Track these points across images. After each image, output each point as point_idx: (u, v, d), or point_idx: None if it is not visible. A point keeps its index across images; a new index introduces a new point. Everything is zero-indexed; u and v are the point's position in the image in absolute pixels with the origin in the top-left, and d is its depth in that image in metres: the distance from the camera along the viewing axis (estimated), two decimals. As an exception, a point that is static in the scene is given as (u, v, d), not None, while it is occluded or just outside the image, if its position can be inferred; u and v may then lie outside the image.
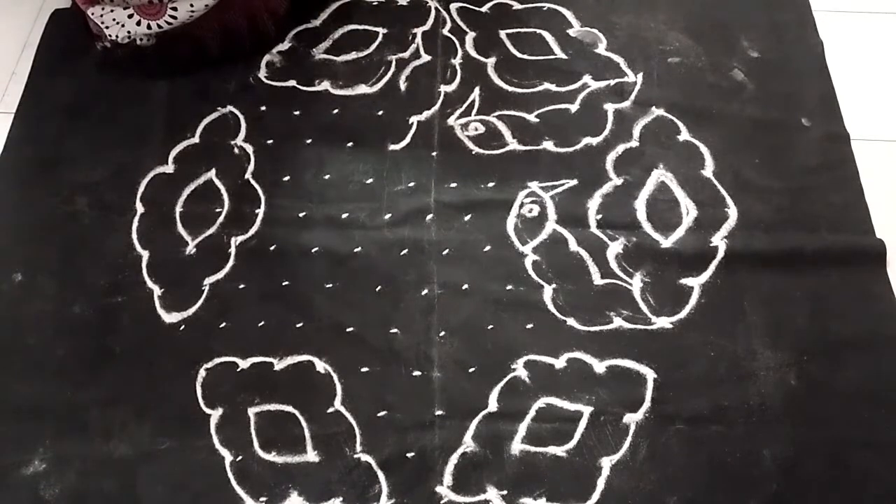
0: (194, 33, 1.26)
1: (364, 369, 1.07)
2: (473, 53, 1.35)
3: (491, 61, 1.34)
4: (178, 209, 1.21)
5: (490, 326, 1.09)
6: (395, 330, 1.09)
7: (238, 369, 1.07)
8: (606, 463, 0.99)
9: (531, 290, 1.12)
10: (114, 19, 1.24)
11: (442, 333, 1.09)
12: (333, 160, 1.25)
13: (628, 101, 1.29)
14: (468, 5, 1.40)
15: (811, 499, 0.97)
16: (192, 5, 1.22)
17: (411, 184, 1.22)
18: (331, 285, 1.13)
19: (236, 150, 1.26)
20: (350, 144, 1.26)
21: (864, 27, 1.38)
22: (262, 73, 1.34)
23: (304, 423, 1.03)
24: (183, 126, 1.29)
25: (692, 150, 1.24)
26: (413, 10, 1.40)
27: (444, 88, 1.31)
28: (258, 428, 1.03)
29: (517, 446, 1.01)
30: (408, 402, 1.04)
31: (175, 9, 1.22)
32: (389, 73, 1.32)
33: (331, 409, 1.04)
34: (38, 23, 1.43)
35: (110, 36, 1.25)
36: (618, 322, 1.09)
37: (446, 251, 1.15)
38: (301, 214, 1.19)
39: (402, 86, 1.31)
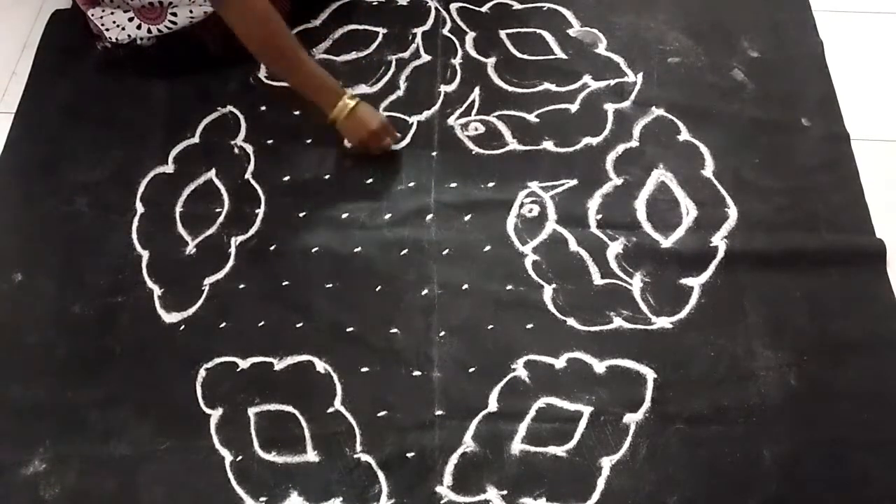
0: (195, 34, 1.26)
1: (364, 369, 1.07)
2: (473, 53, 1.35)
3: (491, 61, 1.34)
4: (178, 209, 1.21)
5: (490, 326, 1.09)
6: (395, 330, 1.09)
7: (238, 369, 1.07)
8: (606, 463, 0.99)
9: (531, 290, 1.12)
10: (114, 21, 1.24)
11: (442, 333, 1.09)
12: (333, 160, 1.25)
13: (628, 101, 1.29)
14: (468, 5, 1.40)
15: (811, 499, 0.97)
16: (191, 11, 1.22)
17: (411, 184, 1.22)
18: (331, 285, 1.13)
19: (236, 150, 1.26)
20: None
21: (864, 27, 1.38)
22: (262, 73, 1.34)
23: (304, 423, 1.03)
24: (183, 126, 1.29)
25: (692, 150, 1.24)
26: (413, 10, 1.40)
27: (444, 88, 1.31)
28: (258, 428, 1.03)
29: (517, 446, 1.01)
30: (408, 402, 1.04)
31: (175, 14, 1.22)
32: (389, 73, 1.33)
33: (331, 409, 1.04)
34: (38, 23, 1.43)
35: (110, 38, 1.25)
36: (618, 322, 1.09)
37: (446, 251, 1.15)
38: (301, 214, 1.19)
39: (402, 86, 1.31)
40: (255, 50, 1.13)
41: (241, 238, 1.18)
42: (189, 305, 1.12)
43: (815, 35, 1.36)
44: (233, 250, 1.17)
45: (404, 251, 1.15)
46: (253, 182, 1.23)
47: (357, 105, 1.17)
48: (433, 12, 1.40)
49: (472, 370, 1.06)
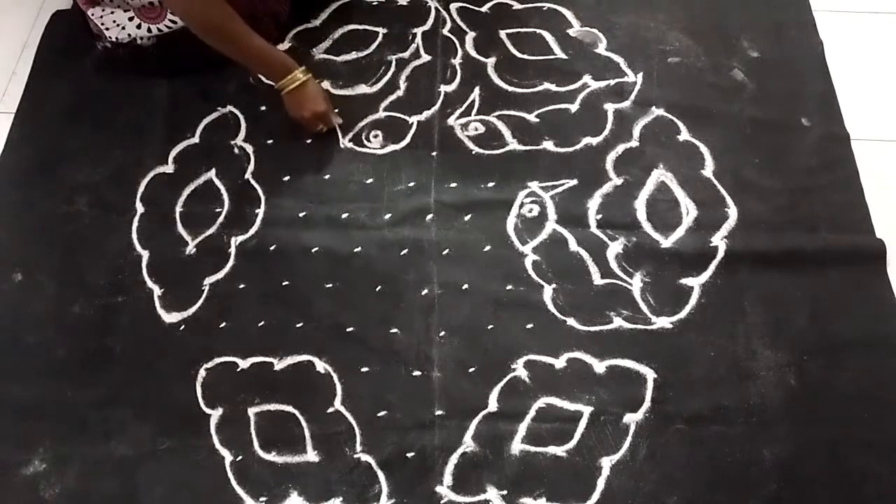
0: (195, 33, 1.26)
1: (364, 369, 1.07)
2: (473, 53, 1.35)
3: (491, 61, 1.34)
4: (178, 209, 1.21)
5: (490, 326, 1.09)
6: (395, 330, 1.09)
7: (238, 369, 1.07)
8: (606, 463, 0.99)
9: (531, 290, 1.12)
10: (114, 21, 1.24)
11: (442, 333, 1.09)
12: (333, 160, 1.25)
13: (628, 101, 1.29)
14: (468, 5, 1.40)
15: (811, 499, 0.97)
16: (192, 10, 1.22)
17: (411, 184, 1.22)
18: (331, 285, 1.13)
19: (236, 150, 1.26)
20: (350, 144, 1.26)
21: (864, 27, 1.38)
22: (263, 74, 1.34)
23: (304, 423, 1.03)
24: (183, 126, 1.29)
25: (692, 150, 1.24)
26: (413, 10, 1.40)
27: (444, 88, 1.31)
28: (258, 428, 1.03)
29: (517, 446, 1.01)
30: (408, 402, 1.04)
31: (175, 12, 1.22)
32: (389, 73, 1.33)
33: (331, 409, 1.04)
34: (39, 23, 1.43)
35: (110, 38, 1.25)
36: (618, 322, 1.09)
37: (446, 251, 1.15)
38: (301, 214, 1.19)
39: (402, 86, 1.31)
40: (198, 29, 1.12)
41: (241, 238, 1.18)
42: (189, 305, 1.12)
43: (815, 35, 1.36)
44: (233, 250, 1.17)
45: (404, 251, 1.15)
46: (253, 182, 1.23)
47: (306, 82, 1.18)
48: (433, 12, 1.40)
49: (472, 370, 1.06)
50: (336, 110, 1.26)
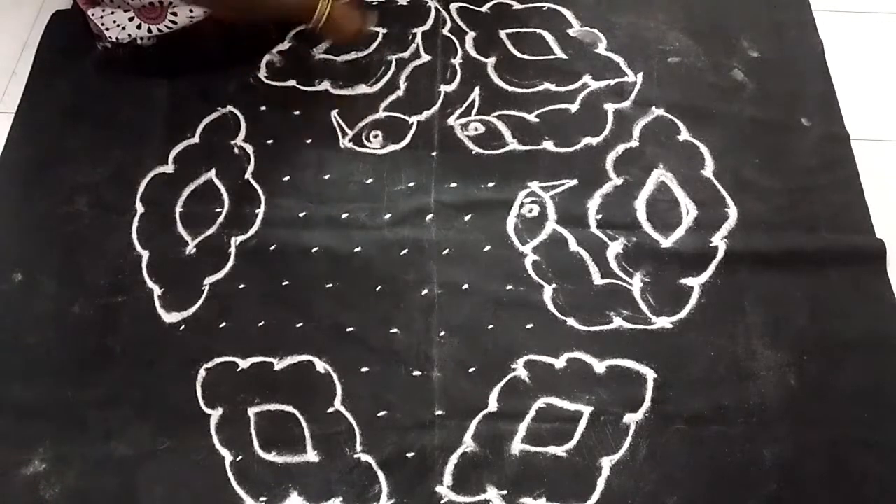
0: (195, 34, 1.26)
1: (364, 369, 1.07)
2: (473, 53, 1.35)
3: (491, 61, 1.34)
4: (178, 209, 1.21)
5: (490, 326, 1.09)
6: (395, 330, 1.09)
7: (238, 369, 1.07)
8: (606, 463, 0.99)
9: (531, 290, 1.12)
10: (114, 21, 1.24)
11: (442, 333, 1.09)
12: (333, 160, 1.25)
13: (628, 101, 1.29)
14: (468, 5, 1.40)
15: (811, 499, 0.97)
16: (191, 11, 1.22)
17: (411, 184, 1.22)
18: (331, 285, 1.13)
19: (236, 150, 1.26)
20: (350, 144, 1.26)
21: (864, 27, 1.38)
22: (262, 73, 1.34)
23: (304, 423, 1.03)
24: (183, 126, 1.29)
25: (692, 150, 1.24)
26: (413, 10, 1.40)
27: (444, 88, 1.31)
28: (258, 428, 1.03)
29: (517, 446, 1.01)
30: (408, 402, 1.04)
31: (175, 13, 1.22)
32: (389, 73, 1.33)
33: (331, 409, 1.04)
34: (38, 23, 1.43)
35: (110, 38, 1.25)
36: (618, 322, 1.09)
37: (446, 251, 1.15)
38: (301, 214, 1.19)
39: (402, 86, 1.31)
40: None
41: (241, 238, 1.18)
42: (189, 305, 1.12)
43: (815, 35, 1.36)
44: (233, 250, 1.17)
45: (404, 251, 1.15)
46: (253, 182, 1.23)
47: (332, 9, 1.19)
48: (433, 12, 1.39)
49: (472, 370, 1.06)
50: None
